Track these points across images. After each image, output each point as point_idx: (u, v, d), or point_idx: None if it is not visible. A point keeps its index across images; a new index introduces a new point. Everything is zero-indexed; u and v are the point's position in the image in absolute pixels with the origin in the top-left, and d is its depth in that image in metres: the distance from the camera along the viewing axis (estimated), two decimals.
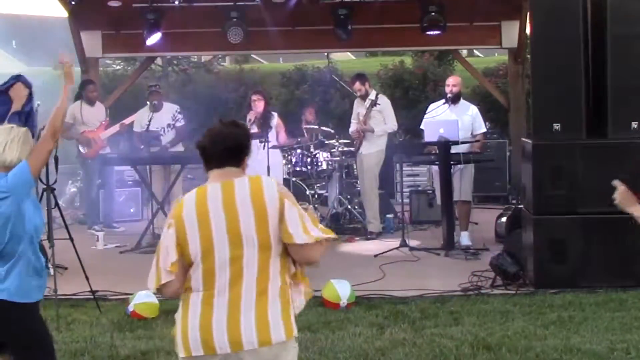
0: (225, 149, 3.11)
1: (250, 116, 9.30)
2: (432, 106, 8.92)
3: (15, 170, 3.73)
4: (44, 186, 6.15)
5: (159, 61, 17.02)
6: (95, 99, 10.00)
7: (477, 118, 8.76)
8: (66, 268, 7.21)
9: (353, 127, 9.53)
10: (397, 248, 8.37)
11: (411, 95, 14.73)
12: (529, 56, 8.71)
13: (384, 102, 9.34)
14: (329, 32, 10.31)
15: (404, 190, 10.27)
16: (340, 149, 9.90)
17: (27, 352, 3.72)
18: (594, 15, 6.88)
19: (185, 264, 3.07)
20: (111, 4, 10.19)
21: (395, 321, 5.83)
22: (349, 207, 9.91)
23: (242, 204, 3.02)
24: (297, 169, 9.92)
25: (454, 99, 8.67)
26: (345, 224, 9.78)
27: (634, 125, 6.67)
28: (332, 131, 10.27)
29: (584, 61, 6.78)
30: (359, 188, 9.91)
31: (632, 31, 6.69)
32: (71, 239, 6.45)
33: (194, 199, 3.08)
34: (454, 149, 8.25)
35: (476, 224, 9.52)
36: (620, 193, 3.43)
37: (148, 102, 9.34)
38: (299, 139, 10.11)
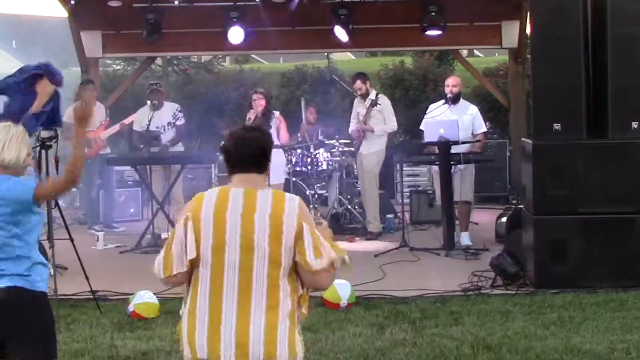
0: (249, 154, 3.12)
1: (250, 115, 9.27)
2: (432, 106, 8.92)
3: (19, 186, 3.63)
4: None
5: (159, 61, 17.02)
6: (94, 99, 9.98)
7: (477, 118, 8.75)
8: (66, 268, 7.21)
9: (353, 127, 9.52)
10: (397, 248, 8.37)
11: (411, 96, 14.71)
12: (529, 56, 8.70)
13: (384, 102, 9.34)
14: (329, 32, 10.29)
15: (404, 190, 10.28)
16: (340, 148, 9.89)
17: (38, 344, 3.61)
18: (594, 15, 6.88)
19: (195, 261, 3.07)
20: (111, 4, 10.17)
21: (396, 321, 5.83)
22: (349, 207, 9.90)
23: (260, 218, 3.02)
24: (297, 169, 9.92)
25: (454, 99, 8.66)
26: (345, 224, 9.77)
27: (634, 125, 6.67)
28: (332, 129, 10.29)
29: (584, 61, 6.78)
30: (359, 188, 9.91)
31: (632, 31, 6.69)
32: (71, 239, 6.46)
33: (215, 200, 3.07)
34: (454, 149, 8.24)
35: (476, 224, 9.52)
36: None
37: (148, 101, 9.32)
38: (298, 136, 10.11)
